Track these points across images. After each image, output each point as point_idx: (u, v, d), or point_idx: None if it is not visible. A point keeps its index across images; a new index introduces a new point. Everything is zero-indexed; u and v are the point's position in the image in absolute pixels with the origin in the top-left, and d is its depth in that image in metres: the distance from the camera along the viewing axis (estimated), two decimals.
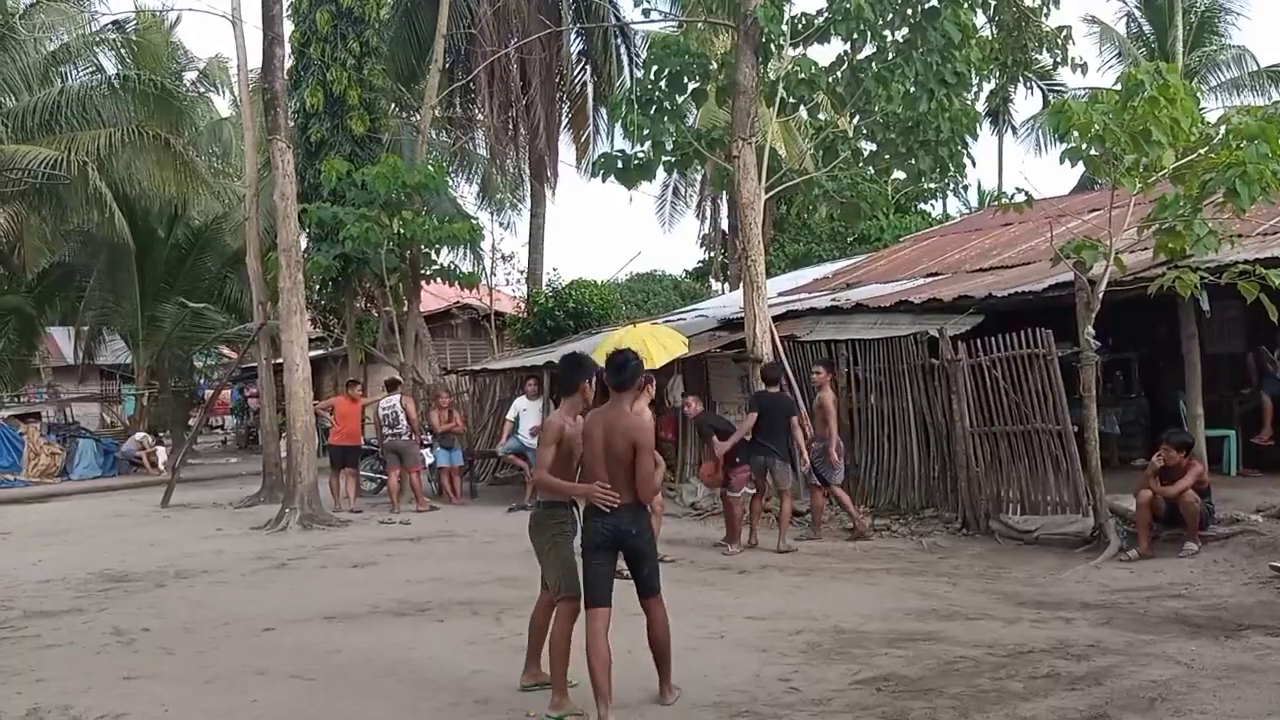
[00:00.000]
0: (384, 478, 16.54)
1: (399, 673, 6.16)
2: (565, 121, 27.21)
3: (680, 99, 13.55)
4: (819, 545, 10.38)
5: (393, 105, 22.32)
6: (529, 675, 5.73)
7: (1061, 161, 9.41)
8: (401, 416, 14.46)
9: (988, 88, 17.82)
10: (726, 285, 29.50)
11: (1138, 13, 28.53)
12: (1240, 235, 9.94)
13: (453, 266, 18.17)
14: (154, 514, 15.18)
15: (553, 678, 5.39)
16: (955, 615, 7.21)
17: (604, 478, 5.22)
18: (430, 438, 15.20)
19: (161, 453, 22.20)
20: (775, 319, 13.11)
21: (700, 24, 20.51)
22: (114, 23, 25.83)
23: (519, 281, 27.05)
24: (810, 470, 10.80)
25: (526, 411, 14.35)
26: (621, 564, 5.43)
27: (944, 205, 27.69)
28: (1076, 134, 8.96)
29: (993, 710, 5.11)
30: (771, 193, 13.78)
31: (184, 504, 15.72)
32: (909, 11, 12.31)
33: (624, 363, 5.41)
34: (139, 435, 22.82)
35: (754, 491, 10.67)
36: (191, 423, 24.31)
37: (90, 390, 30.00)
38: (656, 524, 10.07)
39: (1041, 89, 29.47)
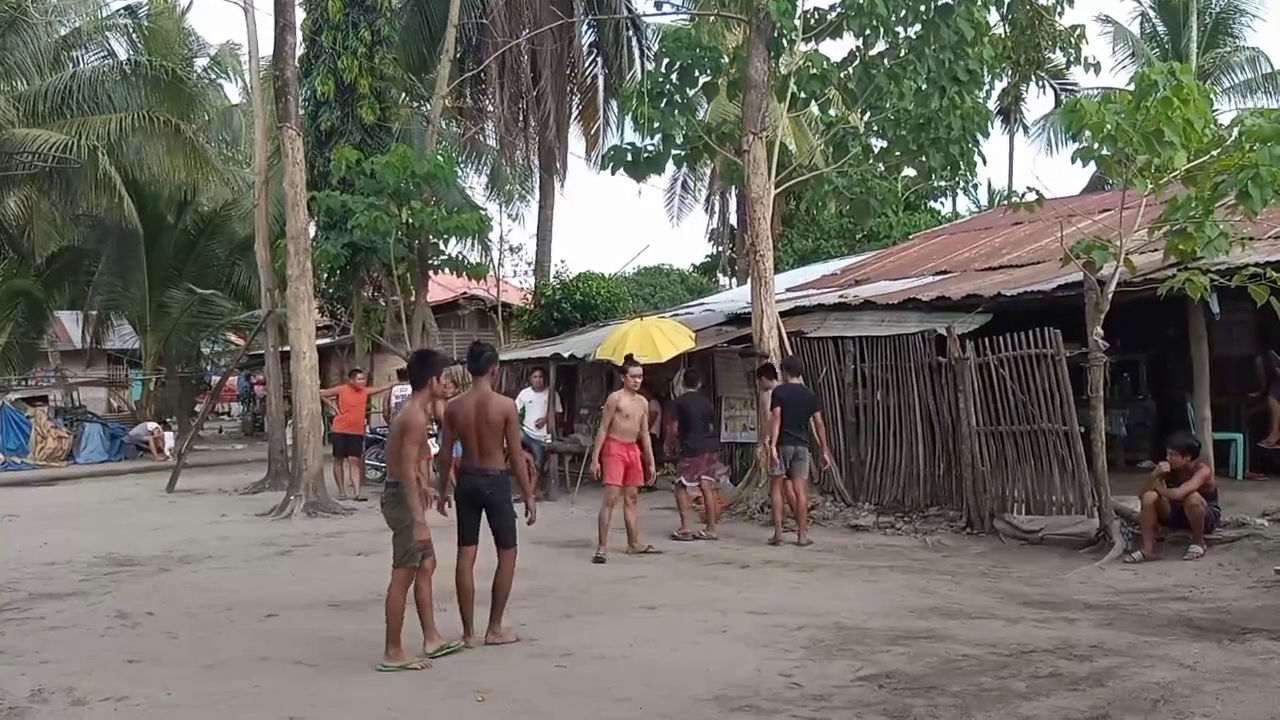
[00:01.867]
0: None
1: None
2: (575, 113, 27.17)
3: (691, 92, 13.54)
4: (823, 541, 10.38)
5: (403, 95, 22.31)
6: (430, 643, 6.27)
7: (1073, 161, 9.38)
8: None
9: (1000, 86, 17.78)
10: (734, 280, 29.49)
11: (1152, 13, 28.41)
12: (1251, 238, 9.89)
13: (460, 257, 18.17)
14: (159, 499, 15.23)
15: (389, 632, 6.02)
16: (958, 614, 7.20)
17: (474, 446, 6.51)
18: (437, 428, 15.20)
19: (169, 438, 22.26)
20: (783, 315, 13.08)
21: (712, 17, 20.44)
22: (125, 8, 25.87)
23: (526, 273, 27.09)
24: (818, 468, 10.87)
25: (532, 403, 14.35)
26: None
27: (954, 203, 27.63)
28: (1089, 133, 8.93)
29: (994, 709, 5.11)
30: (781, 188, 13.75)
31: (189, 489, 15.77)
32: (922, 8, 12.25)
33: (480, 352, 6.69)
34: (150, 425, 22.91)
35: (708, 481, 10.91)
36: (198, 409, 24.37)
37: (98, 375, 30.08)
38: (714, 512, 10.77)
39: (1054, 88, 29.36)
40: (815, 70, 12.62)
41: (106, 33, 25.32)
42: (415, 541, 6.09)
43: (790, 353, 12.62)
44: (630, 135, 14.43)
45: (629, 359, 10.67)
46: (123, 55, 24.53)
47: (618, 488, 9.84)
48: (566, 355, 15.15)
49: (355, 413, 14.93)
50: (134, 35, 25.39)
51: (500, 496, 6.57)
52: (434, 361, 6.49)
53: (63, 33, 24.62)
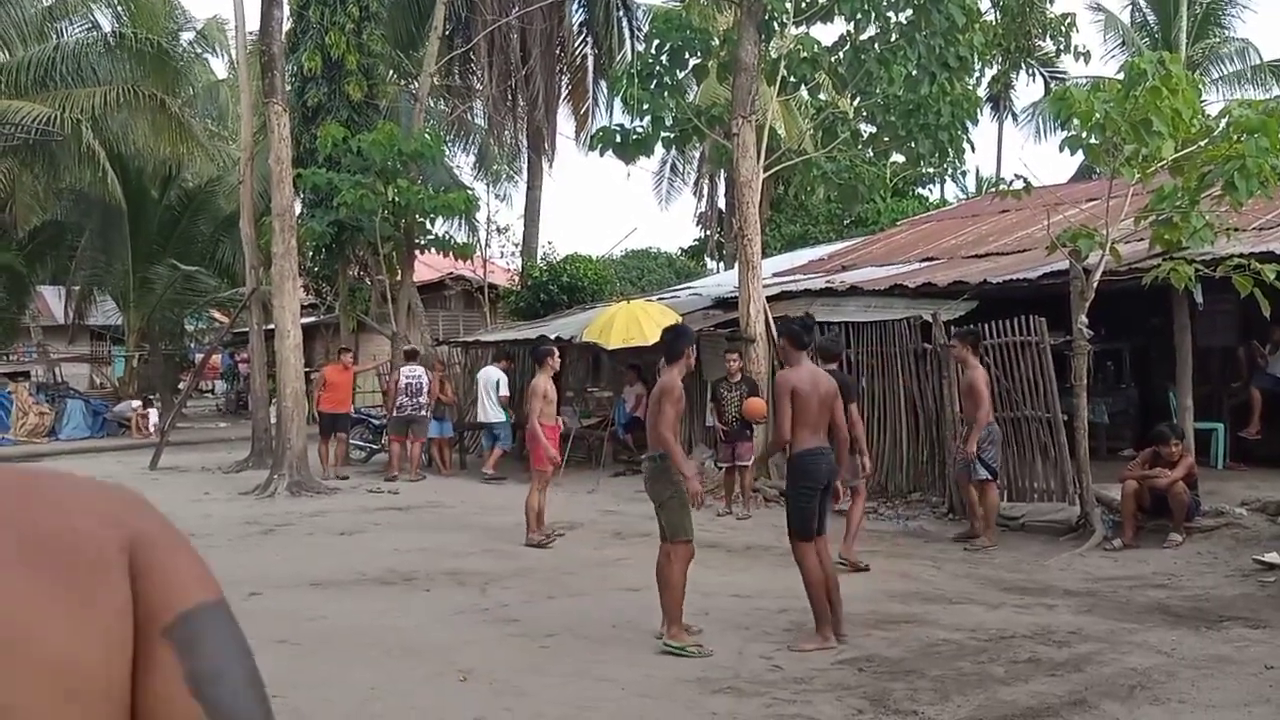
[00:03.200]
0: (374, 447, 16.53)
1: (385, 641, 6.18)
2: (565, 94, 27.05)
3: (681, 74, 13.48)
4: None
5: (391, 72, 22.13)
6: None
7: (1061, 149, 9.44)
8: (425, 387, 14.45)
9: (990, 73, 17.76)
10: (722, 264, 29.45)
11: (1142, 2, 28.39)
12: (1236, 229, 9.94)
13: (447, 237, 18.07)
14: (142, 476, 15.15)
15: (668, 612, 5.94)
16: (938, 599, 7.25)
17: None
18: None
19: (153, 415, 22.14)
20: (769, 299, 13.09)
21: None
22: None
23: (514, 254, 26.97)
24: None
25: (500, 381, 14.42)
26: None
27: (942, 190, 27.67)
28: (1077, 121, 8.93)
29: (973, 693, 5.15)
30: (770, 172, 13.73)
31: (172, 467, 15.70)
32: None
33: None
34: (134, 403, 22.79)
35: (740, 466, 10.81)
36: (181, 386, 24.25)
37: (80, 351, 29.86)
38: (745, 495, 10.74)
39: (1043, 76, 29.38)
40: (805, 54, 12.58)
41: (91, 4, 25.00)
42: (685, 511, 6.03)
43: (776, 337, 12.62)
44: (619, 116, 14.40)
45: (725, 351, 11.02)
46: (107, 27, 24.23)
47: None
48: (553, 337, 15.11)
49: (342, 391, 14.90)
50: (119, 7, 25.08)
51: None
52: (689, 334, 6.63)
53: (47, 3, 24.30)
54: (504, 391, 14.30)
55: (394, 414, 14.58)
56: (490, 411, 14.20)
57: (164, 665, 0.84)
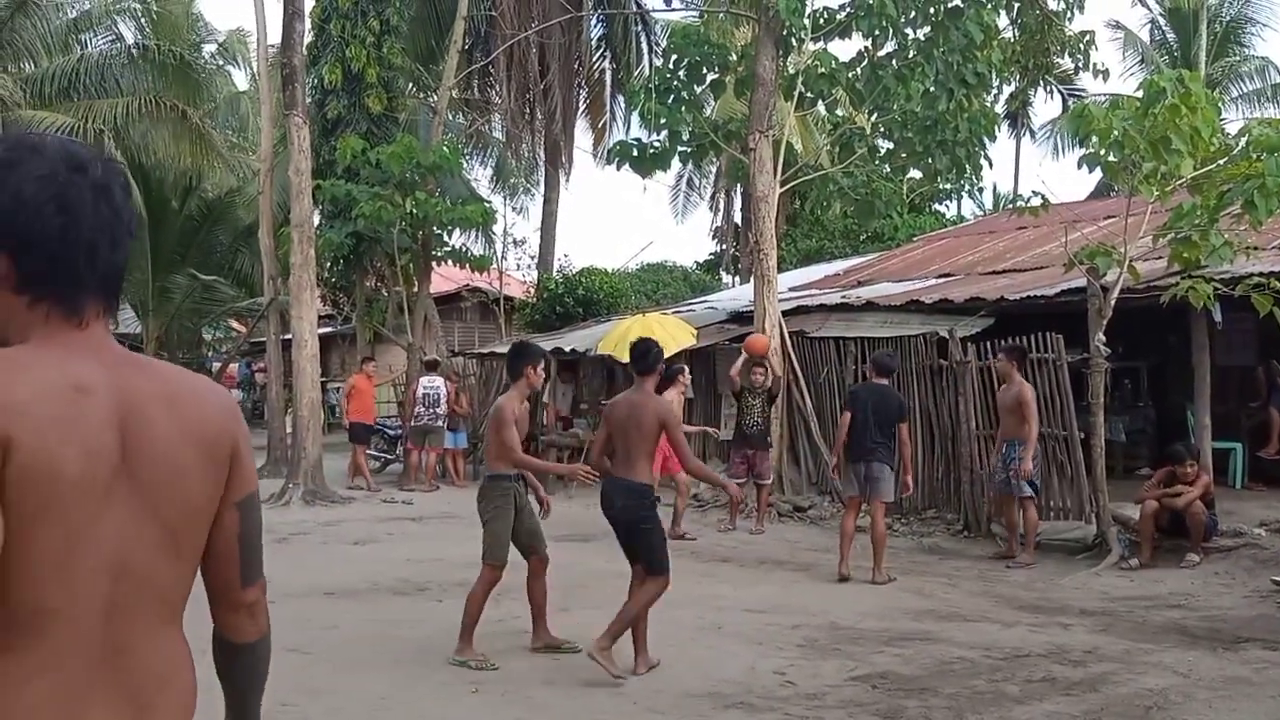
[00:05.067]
0: (388, 457, 16.59)
1: (396, 651, 6.18)
2: (582, 107, 27.14)
3: (699, 89, 13.53)
4: (820, 541, 10.37)
5: (410, 85, 22.30)
6: (537, 640, 6.16)
7: (1079, 166, 9.39)
8: (443, 398, 14.53)
9: (1008, 90, 17.73)
10: (737, 278, 29.46)
11: (1162, 20, 28.33)
12: (1256, 248, 9.88)
13: (464, 249, 18.18)
14: None
15: (462, 628, 5.89)
16: (953, 616, 7.21)
17: (623, 454, 5.78)
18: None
19: None
20: (785, 314, 13.09)
21: (721, 14, 20.42)
22: None
23: (529, 266, 27.06)
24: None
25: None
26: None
27: (959, 206, 27.59)
28: (1096, 139, 8.91)
29: (987, 712, 5.11)
30: (786, 187, 13.74)
31: None
32: (931, 10, 12.25)
33: (646, 350, 6.01)
34: None
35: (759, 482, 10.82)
36: None
37: None
38: (680, 505, 10.33)
39: (1061, 93, 29.34)
40: (823, 70, 12.61)
41: (115, 16, 25.25)
42: (499, 537, 6.01)
43: (791, 352, 12.63)
44: (636, 130, 14.44)
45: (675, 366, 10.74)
46: (130, 39, 24.47)
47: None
48: (568, 350, 15.15)
49: (369, 401, 15.16)
50: (142, 19, 25.34)
51: (644, 515, 5.85)
52: (532, 351, 6.31)
53: (71, 15, 24.57)
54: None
55: (411, 423, 14.69)
56: None
57: (230, 521, 1.56)
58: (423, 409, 14.46)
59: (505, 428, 5.93)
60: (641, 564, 5.80)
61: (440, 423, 14.49)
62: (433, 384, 14.67)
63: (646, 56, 25.81)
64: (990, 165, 13.52)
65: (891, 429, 8.48)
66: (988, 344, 10.59)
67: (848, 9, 12.49)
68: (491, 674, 5.71)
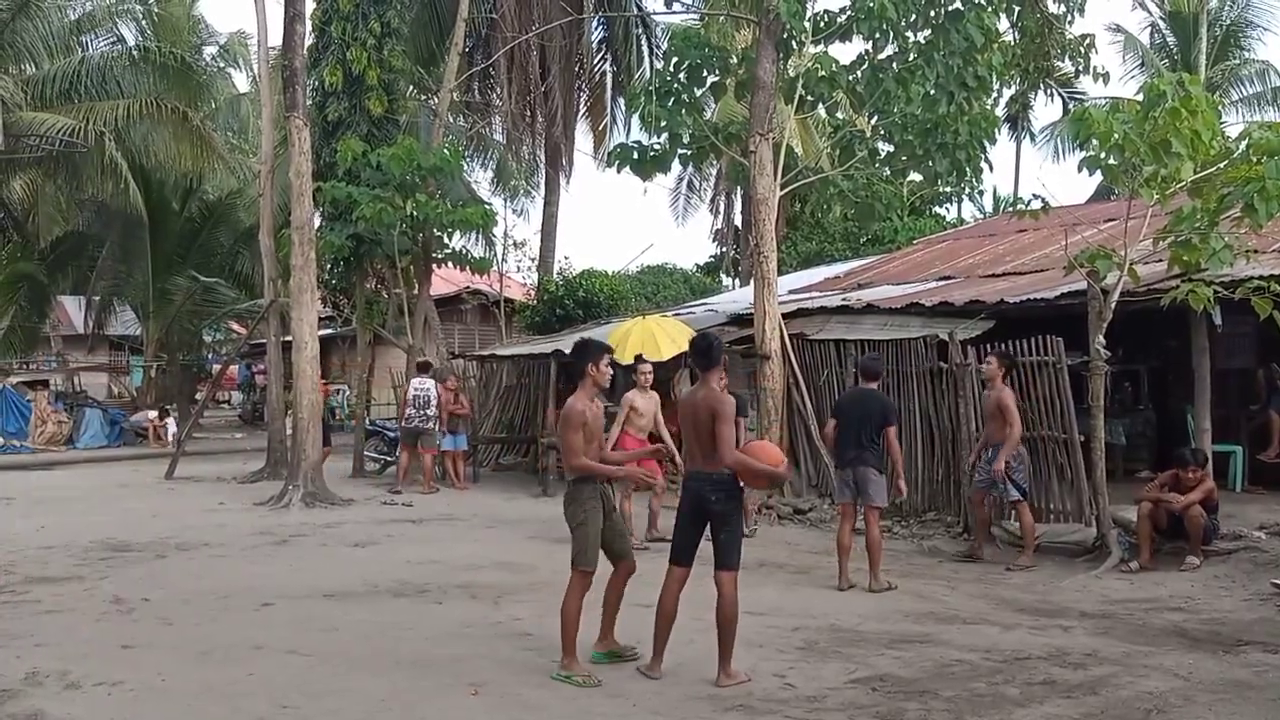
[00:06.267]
0: (386, 458, 16.58)
1: (396, 653, 6.18)
2: (583, 110, 27.18)
3: (699, 92, 13.52)
4: (820, 544, 10.36)
5: (411, 87, 22.29)
6: (601, 644, 5.99)
7: (1080, 170, 9.37)
8: (433, 400, 14.48)
9: (1008, 93, 17.73)
10: (737, 281, 29.50)
11: (1162, 24, 28.37)
12: (1256, 251, 9.89)
13: (464, 251, 18.15)
14: (158, 485, 15.24)
15: (563, 641, 5.70)
16: (953, 619, 7.21)
17: (693, 450, 5.72)
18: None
19: (171, 425, 22.27)
20: (785, 316, 13.09)
21: (722, 17, 20.45)
22: None
23: (530, 269, 27.08)
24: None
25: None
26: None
27: (959, 209, 27.64)
28: (1096, 142, 8.91)
29: (987, 714, 5.11)
30: (786, 190, 13.75)
31: (188, 477, 15.78)
32: (932, 13, 12.25)
33: (707, 346, 5.87)
34: (151, 413, 22.94)
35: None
36: (199, 396, 24.38)
37: (99, 360, 30.10)
38: (655, 505, 10.27)
39: (1062, 96, 29.39)
40: (824, 73, 12.61)
41: (116, 18, 25.32)
42: (592, 540, 5.79)
43: (791, 355, 12.63)
44: (637, 133, 14.42)
45: (638, 358, 10.68)
46: (132, 41, 24.54)
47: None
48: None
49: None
50: (143, 21, 25.41)
51: (731, 509, 5.75)
52: (594, 348, 5.97)
53: (73, 17, 24.60)
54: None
55: (403, 425, 14.69)
56: None
57: None
58: (413, 411, 14.44)
59: (569, 431, 5.78)
60: (715, 556, 5.68)
61: (431, 425, 14.44)
62: (423, 386, 14.64)
63: (647, 59, 25.85)
64: (991, 168, 13.53)
65: (877, 433, 8.40)
66: (987, 347, 10.59)
67: (848, 12, 12.49)
68: (491, 675, 5.71)
